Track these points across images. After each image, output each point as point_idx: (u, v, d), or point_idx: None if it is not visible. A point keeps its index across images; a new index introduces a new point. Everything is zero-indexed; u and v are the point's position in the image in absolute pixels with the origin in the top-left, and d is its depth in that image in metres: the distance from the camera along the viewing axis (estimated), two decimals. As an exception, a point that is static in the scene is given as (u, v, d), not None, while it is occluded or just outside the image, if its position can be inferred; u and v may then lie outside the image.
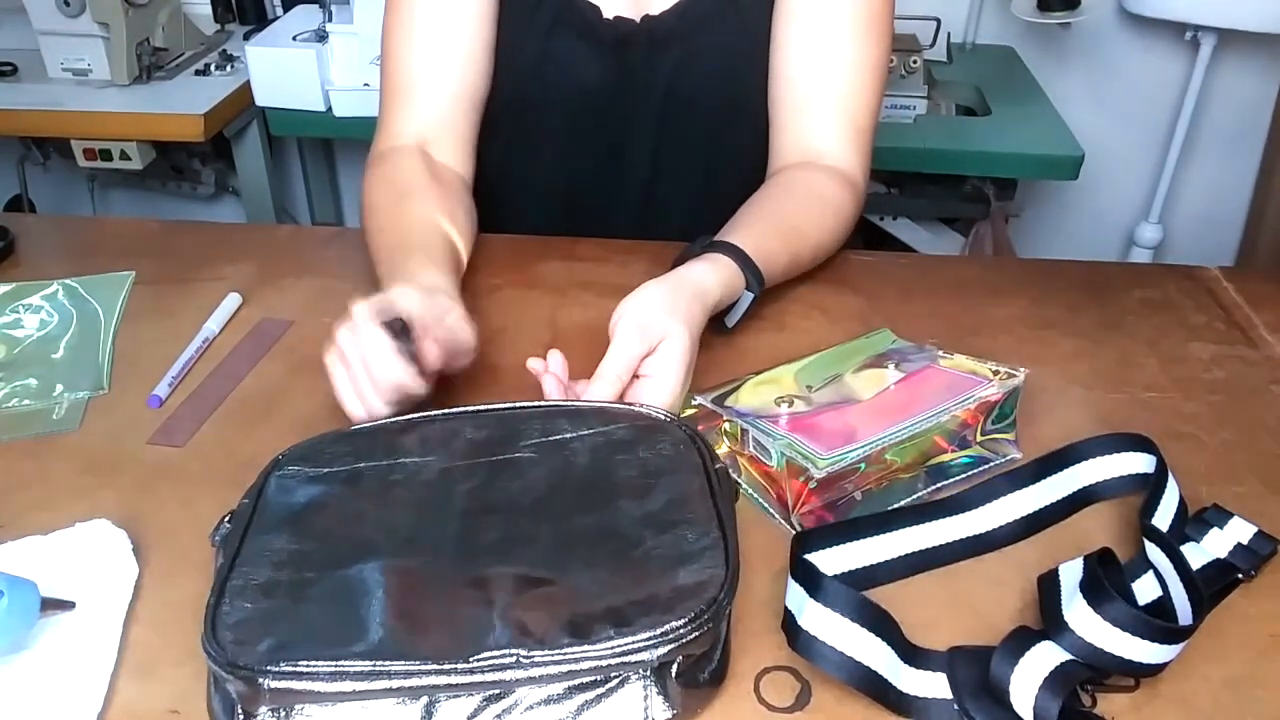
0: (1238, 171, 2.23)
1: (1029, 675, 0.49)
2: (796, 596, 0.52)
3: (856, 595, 0.51)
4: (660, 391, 0.67)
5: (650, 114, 0.96)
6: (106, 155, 1.77)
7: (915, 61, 1.78)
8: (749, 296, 0.79)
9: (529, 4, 0.93)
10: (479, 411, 0.63)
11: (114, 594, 0.57)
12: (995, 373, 0.67)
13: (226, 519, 0.57)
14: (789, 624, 0.52)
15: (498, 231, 1.00)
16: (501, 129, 1.00)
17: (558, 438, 0.60)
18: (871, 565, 0.58)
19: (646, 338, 0.67)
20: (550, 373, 0.68)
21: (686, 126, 0.97)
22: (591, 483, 0.57)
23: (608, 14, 0.93)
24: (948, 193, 1.85)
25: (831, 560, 0.57)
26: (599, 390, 0.65)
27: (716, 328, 0.80)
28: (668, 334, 0.68)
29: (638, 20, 0.93)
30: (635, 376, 0.68)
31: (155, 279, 0.90)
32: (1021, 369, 0.67)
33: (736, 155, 0.99)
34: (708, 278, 0.74)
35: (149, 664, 0.53)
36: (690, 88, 0.95)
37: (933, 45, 1.95)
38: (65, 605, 0.54)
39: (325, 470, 0.59)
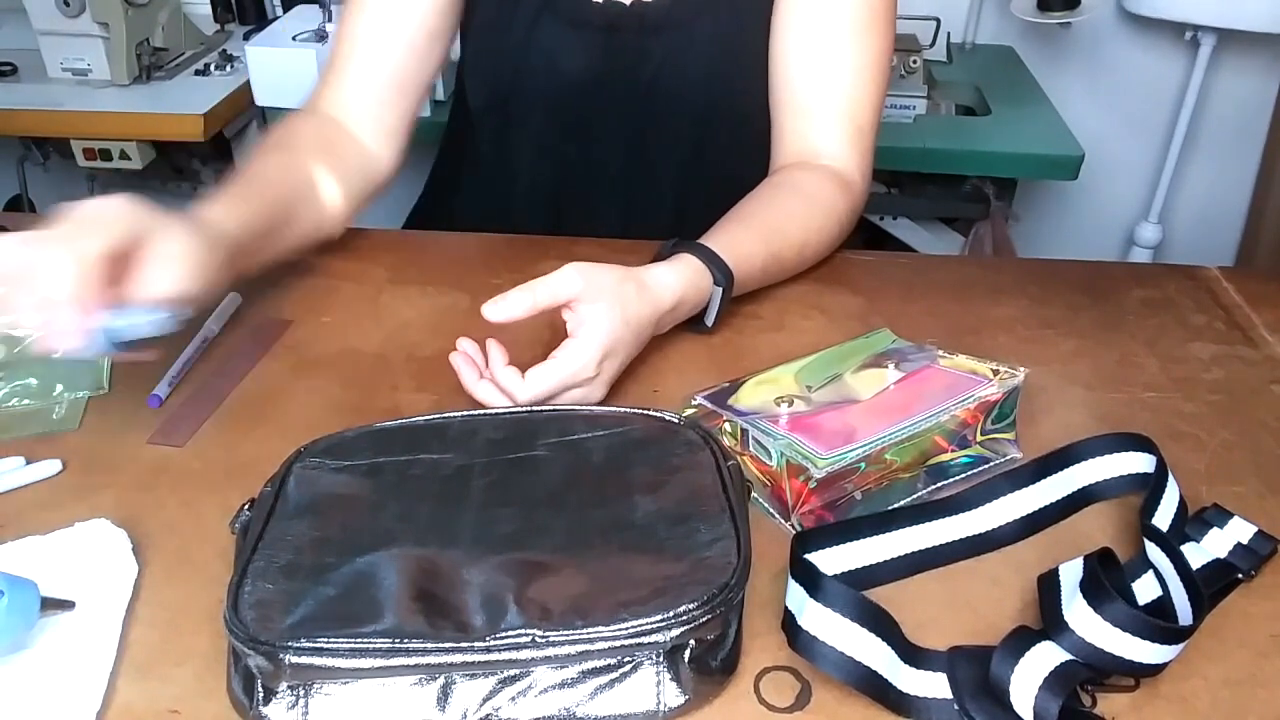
0: (1238, 171, 2.23)
1: (1029, 675, 0.49)
2: (796, 596, 0.52)
3: (856, 595, 0.51)
4: (572, 360, 0.67)
5: (637, 102, 0.96)
6: (106, 155, 1.76)
7: (915, 61, 1.78)
8: (718, 292, 0.78)
9: None
10: (497, 414, 0.65)
11: (114, 594, 0.56)
12: (995, 372, 0.67)
13: (247, 506, 0.58)
14: (789, 624, 0.52)
15: (484, 223, 0.99)
16: (488, 117, 0.99)
17: (573, 437, 0.61)
18: (871, 565, 0.58)
19: (582, 289, 0.68)
20: (461, 351, 0.70)
21: (673, 115, 0.96)
22: (606, 479, 0.58)
23: None
24: (947, 193, 1.84)
25: (831, 560, 0.57)
26: (514, 298, 0.67)
27: (702, 329, 0.80)
28: (603, 300, 0.68)
29: (628, 4, 0.93)
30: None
31: (155, 279, 0.90)
32: (1021, 369, 0.67)
33: (724, 148, 0.99)
34: (665, 279, 0.74)
35: (149, 664, 0.53)
36: (678, 76, 0.94)
37: (932, 45, 1.95)
38: (65, 605, 0.54)
39: (346, 463, 0.60)
